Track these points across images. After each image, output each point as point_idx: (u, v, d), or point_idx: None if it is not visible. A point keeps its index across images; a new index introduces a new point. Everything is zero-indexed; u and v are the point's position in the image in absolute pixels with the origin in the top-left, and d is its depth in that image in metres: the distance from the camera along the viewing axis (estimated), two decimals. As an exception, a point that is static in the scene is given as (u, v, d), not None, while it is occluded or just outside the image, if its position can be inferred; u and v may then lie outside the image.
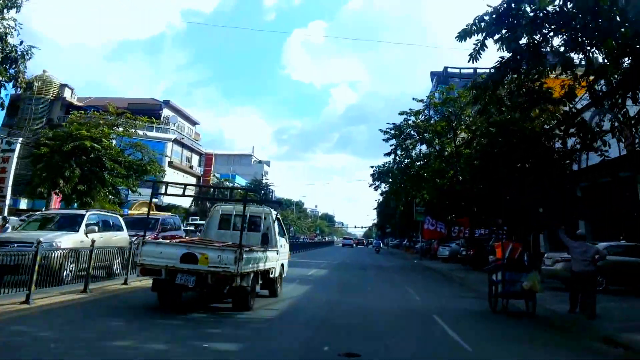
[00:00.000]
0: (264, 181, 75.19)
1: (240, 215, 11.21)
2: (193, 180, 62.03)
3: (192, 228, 30.96)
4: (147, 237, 10.14)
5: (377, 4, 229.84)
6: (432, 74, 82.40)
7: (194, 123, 68.73)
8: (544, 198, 16.52)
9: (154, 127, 55.86)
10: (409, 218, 41.96)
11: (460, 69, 63.59)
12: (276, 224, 12.43)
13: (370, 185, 29.76)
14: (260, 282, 10.68)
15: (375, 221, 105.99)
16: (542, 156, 15.90)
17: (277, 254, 11.95)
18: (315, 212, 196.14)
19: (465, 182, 27.82)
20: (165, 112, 58.76)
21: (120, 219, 16.80)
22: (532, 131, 15.53)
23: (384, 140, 29.52)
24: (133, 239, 14.81)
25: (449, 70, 69.22)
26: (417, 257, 44.73)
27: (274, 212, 12.57)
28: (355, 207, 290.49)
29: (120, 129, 27.60)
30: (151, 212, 54.45)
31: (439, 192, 28.86)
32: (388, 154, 29.46)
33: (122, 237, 15.26)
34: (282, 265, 12.80)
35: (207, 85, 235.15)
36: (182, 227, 27.12)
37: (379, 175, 29.16)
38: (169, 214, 31.12)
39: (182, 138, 59.22)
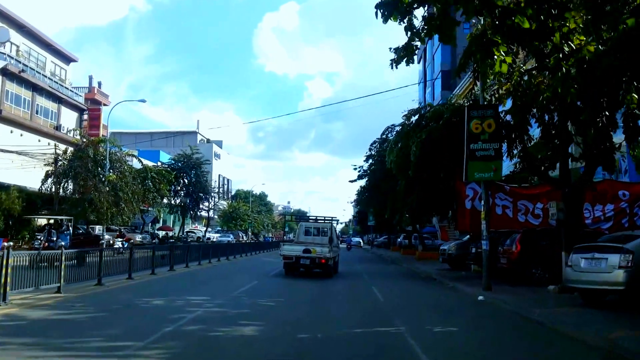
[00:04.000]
0: (194, 155, 50.49)
1: (316, 227, 20.72)
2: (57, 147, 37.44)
3: None
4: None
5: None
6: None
7: (68, 60, 43.76)
8: None
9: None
10: (437, 187, 18.84)
11: None
12: (335, 232, 22.29)
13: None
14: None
15: (354, 212, 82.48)
16: None
17: (337, 248, 21.55)
18: (288, 208, 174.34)
19: None
20: (-15, 21, 33.96)
21: None
22: None
23: None
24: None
25: None
26: (448, 273, 21.46)
27: (334, 224, 22.85)
28: (334, 205, 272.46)
29: None
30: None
31: None
32: None
33: None
34: (338, 254, 21.32)
35: (177, 79, 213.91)
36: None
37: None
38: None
39: (22, 71, 34.34)
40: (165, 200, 44.57)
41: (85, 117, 43.32)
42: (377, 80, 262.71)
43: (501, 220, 18.93)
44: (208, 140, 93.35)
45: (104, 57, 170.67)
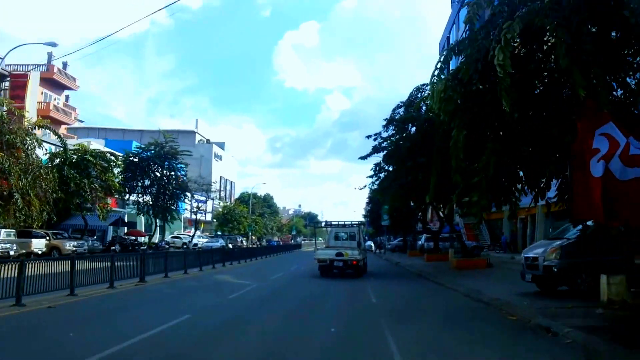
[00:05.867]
0: (168, 144, 40.99)
1: (345, 232, 22.87)
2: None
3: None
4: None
5: (372, 2, 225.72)
6: None
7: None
8: None
9: None
10: (539, 135, 9.21)
11: None
12: (362, 235, 23.91)
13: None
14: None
15: (366, 212, 72.48)
16: None
17: (364, 251, 23.41)
18: (298, 212, 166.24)
19: None
20: None
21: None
22: None
23: None
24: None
25: None
26: (561, 310, 11.43)
27: (362, 228, 25.60)
28: (345, 209, 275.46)
29: None
30: None
31: None
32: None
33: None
34: (367, 256, 23.39)
35: (197, 93, 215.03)
36: None
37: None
38: None
39: None
40: (118, 196, 35.11)
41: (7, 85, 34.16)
42: (393, 93, 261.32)
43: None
44: (208, 141, 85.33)
45: (123, 69, 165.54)
